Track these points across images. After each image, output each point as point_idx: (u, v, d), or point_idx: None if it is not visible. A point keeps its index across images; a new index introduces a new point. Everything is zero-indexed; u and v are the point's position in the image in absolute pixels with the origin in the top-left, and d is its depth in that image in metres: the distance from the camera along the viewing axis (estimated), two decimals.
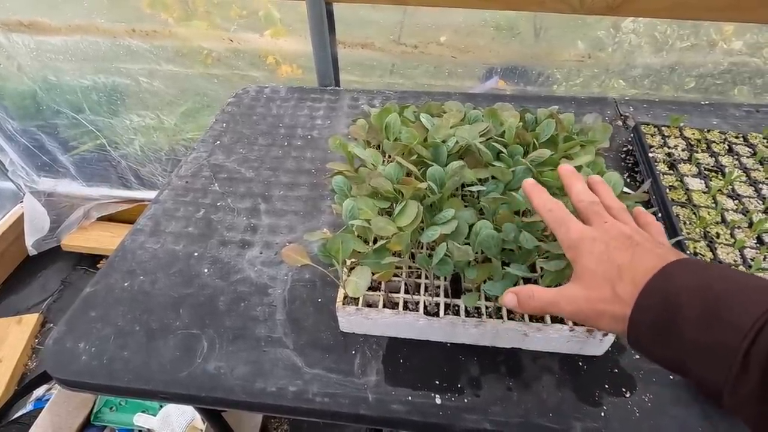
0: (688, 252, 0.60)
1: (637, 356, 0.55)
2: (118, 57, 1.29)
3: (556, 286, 0.53)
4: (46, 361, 0.56)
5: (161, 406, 1.09)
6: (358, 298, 0.54)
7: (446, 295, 0.55)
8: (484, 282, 0.52)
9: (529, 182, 0.46)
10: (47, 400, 1.16)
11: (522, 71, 1.21)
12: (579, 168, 0.55)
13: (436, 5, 0.97)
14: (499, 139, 0.60)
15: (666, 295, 0.33)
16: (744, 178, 0.71)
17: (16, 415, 1.17)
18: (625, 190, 0.73)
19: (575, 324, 0.52)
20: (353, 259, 0.53)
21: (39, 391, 1.24)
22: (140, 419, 1.06)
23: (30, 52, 1.30)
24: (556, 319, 0.53)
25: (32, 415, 1.11)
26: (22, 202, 1.65)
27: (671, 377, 0.53)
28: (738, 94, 1.22)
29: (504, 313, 0.53)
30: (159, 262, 0.68)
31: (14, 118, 1.47)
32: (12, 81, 1.40)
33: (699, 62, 1.19)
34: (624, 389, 0.52)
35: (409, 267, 0.57)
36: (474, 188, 0.55)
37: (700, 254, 0.60)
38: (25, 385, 1.20)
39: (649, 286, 0.34)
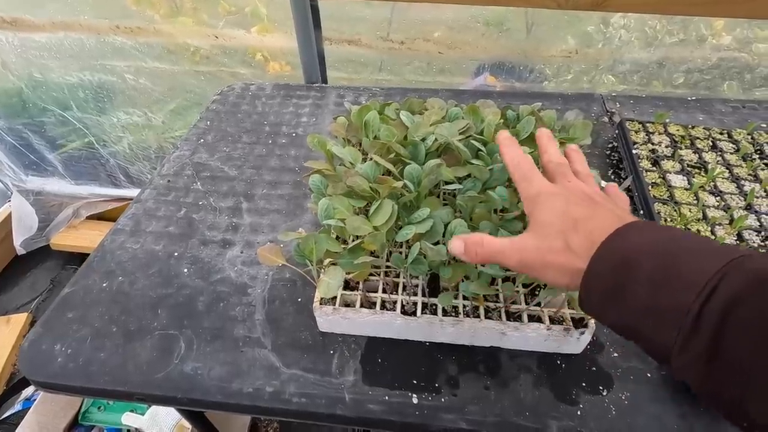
0: None
1: (616, 354, 0.55)
2: (103, 54, 1.28)
3: (530, 284, 0.52)
4: (22, 363, 0.56)
5: (149, 406, 1.09)
6: (335, 297, 0.54)
7: (424, 295, 0.55)
8: (462, 280, 0.51)
9: (503, 134, 0.46)
10: (35, 400, 1.15)
11: (510, 67, 1.20)
12: None
13: (424, 0, 0.96)
14: (478, 136, 0.59)
15: (620, 256, 0.31)
16: (726, 175, 0.71)
17: (4, 415, 1.16)
18: (605, 185, 0.73)
19: (552, 323, 0.51)
20: (330, 259, 0.53)
21: (28, 391, 1.23)
22: (128, 419, 1.06)
23: (14, 49, 1.28)
24: (534, 318, 0.52)
25: (20, 416, 1.11)
26: (9, 201, 1.63)
27: (648, 375, 0.53)
28: (727, 90, 1.22)
29: (481, 312, 0.52)
30: (138, 263, 0.67)
31: (0, 117, 1.45)
32: None
33: (688, 57, 1.19)
34: (601, 387, 0.52)
35: (387, 266, 0.56)
36: (451, 187, 0.54)
37: None
38: (13, 385, 1.19)
39: (604, 246, 0.32)
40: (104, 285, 0.64)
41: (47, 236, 1.66)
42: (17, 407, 1.20)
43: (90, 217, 1.69)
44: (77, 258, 1.68)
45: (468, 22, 1.13)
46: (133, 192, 1.62)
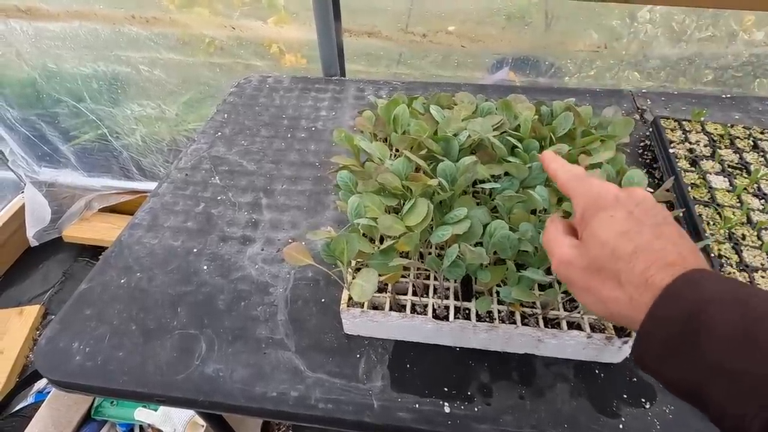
0: (712, 255, 0.56)
1: None
2: (118, 44, 1.26)
3: None
4: (39, 361, 0.54)
5: None
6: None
7: (456, 298, 0.52)
8: (498, 285, 0.49)
9: (547, 152, 0.42)
10: (48, 392, 1.15)
11: (533, 62, 1.16)
12: (599, 165, 0.52)
13: None
14: (514, 133, 0.57)
15: (690, 304, 0.27)
16: None
17: (16, 408, 1.16)
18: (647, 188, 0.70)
19: (593, 330, 0.49)
20: (359, 259, 0.51)
21: (40, 384, 1.23)
22: (141, 414, 1.05)
23: (29, 38, 1.27)
24: (573, 325, 0.50)
25: (33, 408, 1.11)
26: (22, 192, 1.63)
27: None
28: (758, 88, 1.18)
29: (517, 317, 0.50)
30: (157, 258, 0.65)
31: (14, 107, 1.44)
32: (11, 69, 1.37)
33: (718, 53, 1.15)
34: (643, 399, 0.49)
35: (418, 268, 0.54)
36: (487, 185, 0.52)
37: (725, 257, 0.56)
38: (26, 378, 1.19)
39: (669, 292, 0.28)
40: (122, 281, 0.62)
41: (59, 228, 1.65)
42: (30, 400, 1.19)
43: (102, 210, 1.68)
44: (89, 250, 1.68)
45: (489, 15, 1.10)
46: (145, 185, 1.61)
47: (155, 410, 1.06)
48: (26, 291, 1.56)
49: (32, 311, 1.45)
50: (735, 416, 0.25)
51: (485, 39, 1.09)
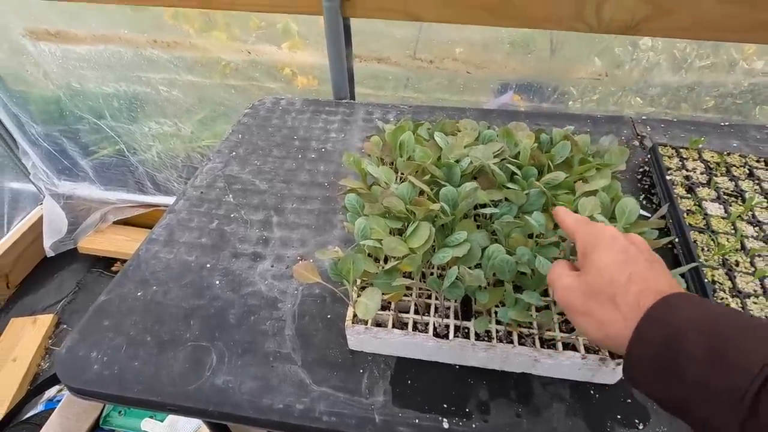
0: (706, 280, 0.58)
1: None
2: (139, 66, 1.32)
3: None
4: (59, 369, 0.57)
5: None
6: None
7: (456, 317, 0.54)
8: (496, 306, 0.51)
9: (561, 209, 0.46)
10: (58, 401, 1.17)
11: (537, 87, 1.20)
12: (594, 192, 0.55)
13: (449, 21, 0.97)
14: (514, 160, 0.60)
15: (669, 328, 0.31)
16: (765, 204, 0.69)
17: (27, 415, 1.19)
18: (642, 213, 0.72)
19: (588, 351, 0.51)
20: (364, 278, 0.53)
21: (51, 392, 1.25)
22: (147, 424, 1.07)
23: (56, 59, 1.34)
24: (568, 346, 0.52)
25: (43, 416, 1.13)
26: (41, 204, 1.69)
27: None
28: (759, 114, 1.20)
29: (515, 337, 0.52)
30: (172, 273, 0.68)
31: (38, 123, 1.51)
32: (38, 87, 1.44)
33: (719, 82, 1.17)
34: (637, 420, 0.50)
35: (420, 288, 0.56)
36: (487, 210, 0.55)
37: (719, 282, 0.58)
38: (37, 386, 1.21)
39: (650, 316, 0.32)
40: (139, 294, 0.65)
41: (75, 239, 1.70)
42: (40, 408, 1.22)
43: (116, 222, 1.73)
44: (102, 261, 1.72)
45: (494, 42, 1.14)
46: (159, 199, 1.66)
47: (161, 421, 1.08)
48: (40, 300, 1.60)
49: (46, 320, 1.48)
50: (716, 426, 0.28)
51: (489, 65, 1.13)
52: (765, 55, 1.13)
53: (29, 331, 1.45)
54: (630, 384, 0.34)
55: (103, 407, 1.11)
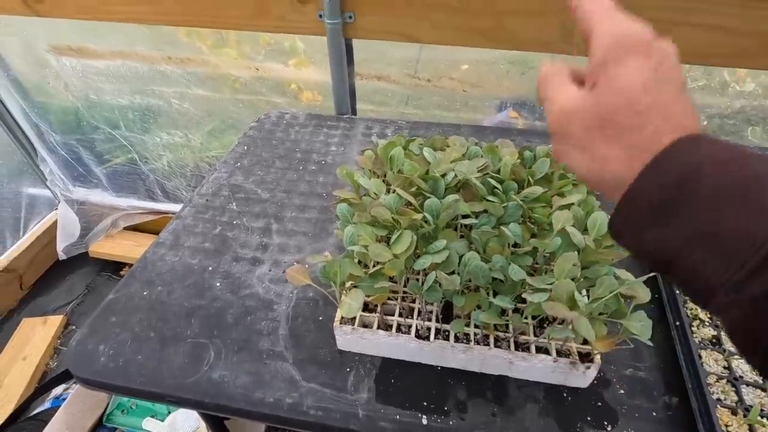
0: (677, 292, 0.61)
1: (622, 391, 0.56)
2: (154, 80, 1.40)
3: (538, 316, 0.55)
4: (69, 361, 0.62)
5: (169, 412, 1.13)
6: (354, 318, 0.58)
7: (438, 321, 0.58)
8: (474, 310, 0.55)
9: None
10: (64, 399, 1.22)
11: (532, 106, 1.25)
12: (569, 206, 0.58)
13: (446, 43, 1.03)
14: (495, 175, 0.64)
15: (688, 167, 0.25)
16: None
17: (34, 412, 1.23)
18: None
19: (559, 355, 0.54)
20: (352, 282, 0.58)
21: (57, 390, 1.30)
22: (149, 424, 1.11)
23: (76, 73, 1.42)
24: (541, 349, 0.55)
25: (49, 413, 1.17)
26: (56, 209, 1.76)
27: (654, 413, 0.54)
28: (751, 135, 1.23)
29: (491, 340, 0.55)
30: (176, 274, 0.73)
31: (57, 132, 1.59)
32: (58, 98, 1.52)
33: (710, 103, 1.21)
34: (606, 422, 0.53)
35: (404, 292, 0.60)
36: (467, 221, 0.59)
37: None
38: (45, 384, 1.26)
39: (668, 153, 0.26)
40: (144, 293, 0.70)
41: (86, 244, 1.77)
42: (47, 405, 1.26)
43: (126, 228, 1.79)
44: (111, 265, 1.78)
45: (492, 61, 1.19)
46: (167, 206, 1.72)
47: (162, 421, 1.11)
48: (51, 301, 1.66)
49: (56, 321, 1.54)
50: (708, 277, 0.25)
51: (485, 85, 1.18)
52: (757, 77, 1.17)
53: (40, 331, 1.50)
54: (614, 232, 0.29)
55: (107, 406, 1.15)
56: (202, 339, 0.63)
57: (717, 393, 0.51)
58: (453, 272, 0.53)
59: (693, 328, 0.57)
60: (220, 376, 0.59)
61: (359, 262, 0.59)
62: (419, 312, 0.59)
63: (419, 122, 1.10)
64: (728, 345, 0.55)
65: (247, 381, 0.58)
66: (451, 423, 0.53)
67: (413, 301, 0.60)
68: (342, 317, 0.58)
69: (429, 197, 0.59)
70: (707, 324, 0.57)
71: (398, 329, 0.58)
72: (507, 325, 0.56)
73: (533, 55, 1.21)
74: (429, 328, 0.57)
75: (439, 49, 1.16)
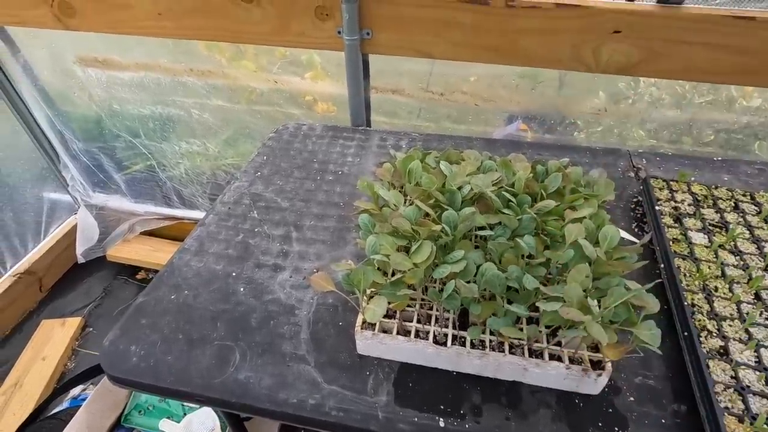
0: (686, 303, 0.63)
1: (632, 398, 0.58)
2: (175, 91, 1.45)
3: (552, 326, 0.58)
4: (102, 359, 0.65)
5: (185, 414, 1.16)
6: (375, 324, 0.61)
7: (454, 327, 0.61)
8: (489, 317, 0.57)
9: None
10: (82, 399, 1.25)
11: (542, 120, 1.28)
12: (581, 219, 0.61)
13: (458, 59, 1.06)
14: (509, 188, 0.67)
15: None
16: (747, 235, 0.74)
17: (53, 411, 1.26)
18: (631, 239, 0.78)
19: (571, 362, 0.56)
20: (372, 289, 0.60)
21: (75, 391, 1.33)
22: (165, 425, 1.13)
23: (101, 84, 1.48)
24: (554, 357, 0.57)
25: (68, 413, 1.21)
26: (76, 213, 1.81)
27: (663, 420, 0.56)
28: (758, 149, 1.25)
29: (506, 347, 0.58)
30: (201, 279, 0.76)
31: (80, 140, 1.65)
32: (82, 108, 1.58)
33: (718, 118, 1.23)
34: (617, 428, 0.55)
35: (422, 299, 0.63)
36: (484, 232, 0.62)
37: (698, 306, 0.63)
38: (63, 384, 1.29)
39: None
40: (172, 297, 0.73)
41: (104, 248, 1.81)
42: (65, 405, 1.30)
43: (143, 233, 1.84)
44: (128, 269, 1.82)
45: (503, 76, 1.23)
46: (184, 212, 1.77)
47: (178, 422, 1.14)
48: (70, 304, 1.71)
49: (74, 323, 1.58)
50: None
51: (496, 99, 1.21)
52: (764, 93, 1.19)
53: (58, 333, 1.54)
54: None
55: (125, 407, 1.18)
56: (228, 341, 0.66)
57: (724, 401, 0.53)
58: (470, 281, 0.55)
59: (701, 339, 0.59)
60: (246, 377, 0.62)
61: (378, 269, 0.62)
62: (437, 319, 0.62)
63: (432, 134, 1.13)
64: (736, 356, 0.57)
65: (271, 382, 0.61)
66: (467, 426, 0.56)
67: (431, 308, 0.63)
68: (364, 322, 0.61)
69: (446, 209, 0.62)
70: (715, 335, 0.60)
71: (416, 335, 0.60)
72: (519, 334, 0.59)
73: (543, 70, 1.24)
74: (446, 335, 0.60)
75: (451, 64, 1.20)
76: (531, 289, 0.53)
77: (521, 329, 0.57)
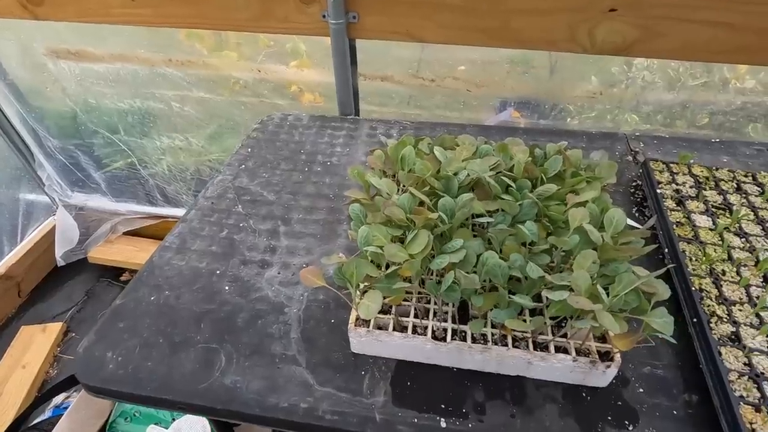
0: (693, 288, 0.61)
1: (641, 390, 0.56)
2: (154, 83, 1.38)
3: (557, 317, 0.55)
4: (76, 368, 0.60)
5: (173, 419, 1.11)
6: (370, 320, 0.57)
7: (454, 321, 0.57)
8: (491, 309, 0.54)
9: None
10: (65, 407, 1.19)
11: (535, 105, 1.25)
12: (584, 203, 0.58)
13: (451, 43, 1.02)
14: (508, 173, 0.63)
15: None
16: (752, 217, 0.72)
17: (35, 421, 1.21)
18: (632, 224, 0.75)
19: (578, 354, 0.53)
20: (366, 283, 0.57)
21: (58, 399, 1.27)
22: (153, 431, 1.09)
23: (74, 77, 1.40)
24: (560, 349, 0.54)
25: (50, 422, 1.15)
26: (54, 215, 1.74)
27: (674, 412, 0.53)
28: (752, 132, 1.23)
29: (509, 340, 0.54)
30: (184, 279, 0.72)
31: (54, 137, 1.57)
32: (55, 103, 1.50)
33: (711, 100, 1.21)
34: (627, 422, 0.53)
35: (419, 292, 0.59)
36: (483, 219, 0.58)
37: (706, 290, 0.61)
38: (45, 392, 1.23)
39: None
40: (152, 298, 0.69)
41: (85, 249, 1.75)
42: (47, 414, 1.24)
43: (126, 233, 1.77)
44: (111, 271, 1.76)
45: (494, 61, 1.19)
46: (168, 210, 1.71)
47: (166, 428, 1.09)
48: (50, 309, 1.64)
49: (55, 328, 1.51)
50: None
51: (489, 84, 1.18)
52: (757, 74, 1.17)
53: (39, 339, 1.48)
54: None
55: (110, 414, 1.13)
56: (213, 344, 0.62)
57: (739, 390, 0.50)
58: (472, 272, 0.52)
59: (711, 325, 0.56)
60: (233, 381, 0.58)
61: (372, 262, 0.58)
62: (435, 313, 0.58)
63: (424, 122, 1.09)
64: (748, 341, 0.55)
65: (260, 386, 0.57)
66: (470, 425, 0.53)
67: (428, 302, 0.59)
68: (357, 318, 0.57)
69: (442, 196, 0.58)
70: (725, 320, 0.57)
71: (414, 331, 0.57)
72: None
73: (535, 54, 1.21)
74: (445, 329, 0.56)
75: (441, 49, 1.16)
76: (535, 278, 0.50)
77: (525, 321, 0.54)
